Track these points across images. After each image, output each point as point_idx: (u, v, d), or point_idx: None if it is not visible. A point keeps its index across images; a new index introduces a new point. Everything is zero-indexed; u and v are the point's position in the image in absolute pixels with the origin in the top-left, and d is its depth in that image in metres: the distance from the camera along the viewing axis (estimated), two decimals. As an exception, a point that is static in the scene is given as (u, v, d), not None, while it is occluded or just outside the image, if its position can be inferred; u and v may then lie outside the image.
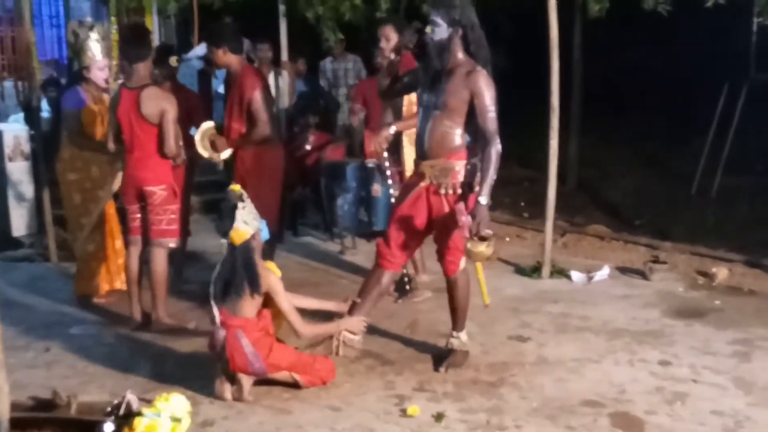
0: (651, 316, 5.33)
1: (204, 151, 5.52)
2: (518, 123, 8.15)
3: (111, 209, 5.74)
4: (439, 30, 4.20)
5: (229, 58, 5.43)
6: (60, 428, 2.60)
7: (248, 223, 4.09)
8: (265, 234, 4.24)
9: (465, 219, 4.09)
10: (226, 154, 5.58)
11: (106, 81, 5.61)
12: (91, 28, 5.55)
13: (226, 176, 5.94)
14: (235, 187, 4.21)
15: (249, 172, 5.46)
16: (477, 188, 4.18)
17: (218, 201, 6.23)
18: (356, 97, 6.38)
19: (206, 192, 7.61)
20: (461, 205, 4.15)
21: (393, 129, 5.12)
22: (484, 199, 4.10)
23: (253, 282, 4.05)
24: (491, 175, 4.11)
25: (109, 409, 3.49)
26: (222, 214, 4.21)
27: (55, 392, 3.79)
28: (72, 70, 6.98)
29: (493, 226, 4.25)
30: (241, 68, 5.48)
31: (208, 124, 5.56)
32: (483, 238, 4.11)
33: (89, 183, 5.58)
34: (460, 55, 4.25)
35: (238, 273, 4.05)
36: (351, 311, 4.49)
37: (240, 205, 4.07)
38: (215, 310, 4.11)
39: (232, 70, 5.56)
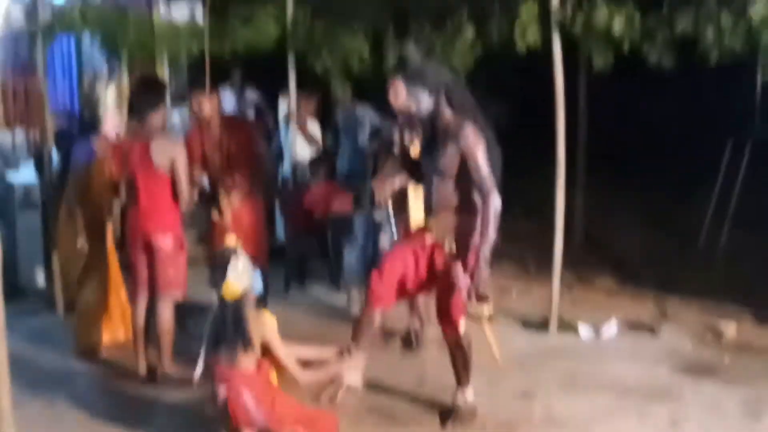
0: (660, 373, 5.28)
1: (227, 214, 5.72)
2: (524, 176, 8.18)
3: (113, 260, 5.75)
4: (423, 103, 4.26)
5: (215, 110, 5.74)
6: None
7: (240, 278, 4.08)
8: (258, 287, 4.24)
9: (464, 280, 4.08)
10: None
11: (117, 133, 5.68)
12: (107, 82, 5.67)
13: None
14: (230, 242, 4.21)
15: (246, 223, 5.60)
16: (472, 251, 4.16)
17: (210, 252, 6.28)
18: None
19: (205, 242, 7.59)
20: (459, 266, 4.13)
21: (398, 182, 5.15)
22: (483, 260, 4.08)
23: (244, 339, 4.01)
24: (490, 235, 4.09)
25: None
26: (214, 266, 4.21)
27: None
28: (83, 120, 7.06)
29: (498, 279, 4.25)
30: (231, 119, 5.75)
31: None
32: (482, 299, 4.09)
33: (74, 237, 5.64)
34: (448, 114, 4.28)
35: (228, 330, 4.03)
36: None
37: (233, 260, 4.07)
38: (210, 365, 4.08)
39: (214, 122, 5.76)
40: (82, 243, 5.37)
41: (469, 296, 4.08)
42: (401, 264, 4.39)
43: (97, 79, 6.84)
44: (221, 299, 4.09)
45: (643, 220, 9.12)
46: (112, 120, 5.70)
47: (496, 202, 4.10)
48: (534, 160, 7.20)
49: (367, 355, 4.46)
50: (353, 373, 4.41)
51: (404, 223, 5.58)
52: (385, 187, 5.15)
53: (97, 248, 5.68)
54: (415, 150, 4.61)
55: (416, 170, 4.71)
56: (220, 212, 5.70)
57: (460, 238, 4.24)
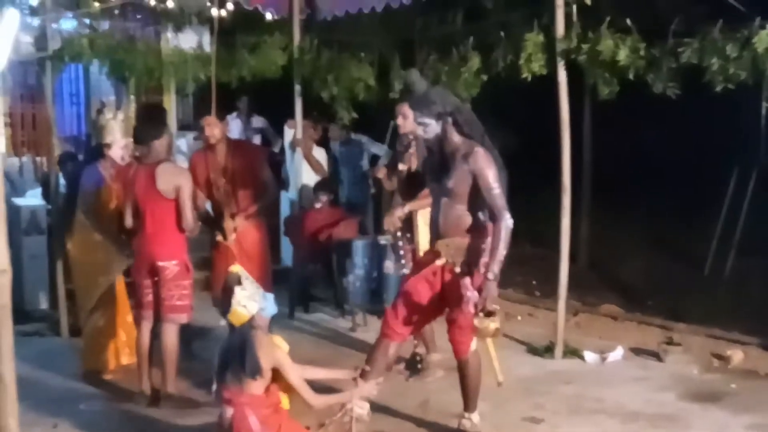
0: (666, 399, 5.25)
1: (230, 236, 5.78)
2: (530, 202, 8.19)
3: (120, 285, 5.76)
4: (430, 128, 4.29)
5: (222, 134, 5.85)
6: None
7: (246, 305, 4.06)
8: (271, 310, 4.22)
9: (471, 294, 4.09)
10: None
11: (123, 159, 5.73)
12: (116, 108, 5.74)
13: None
14: (234, 269, 4.21)
15: (251, 247, 5.63)
16: (482, 267, 4.18)
17: (211, 276, 6.29)
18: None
19: (208, 268, 7.61)
20: (467, 281, 4.15)
21: (407, 208, 5.17)
22: (492, 275, 4.10)
23: (251, 365, 3.99)
24: (501, 251, 4.11)
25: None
26: (223, 293, 4.21)
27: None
28: (90, 147, 7.09)
29: (504, 304, 4.25)
30: (237, 142, 5.83)
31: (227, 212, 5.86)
32: (490, 314, 4.09)
33: (91, 267, 5.66)
34: (457, 138, 4.30)
35: (234, 355, 4.02)
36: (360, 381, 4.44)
37: (237, 288, 4.06)
38: (220, 388, 4.07)
39: (220, 147, 5.83)
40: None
41: (476, 311, 4.09)
42: (415, 296, 4.41)
43: (105, 106, 6.88)
44: (230, 324, 4.09)
45: (649, 246, 9.13)
46: (120, 147, 5.75)
47: (508, 221, 4.14)
48: (539, 186, 7.22)
49: (381, 380, 4.45)
50: (362, 403, 4.39)
51: (413, 249, 5.60)
52: (394, 215, 5.18)
53: (95, 282, 5.72)
54: (402, 170, 4.62)
55: (412, 191, 4.74)
56: (224, 235, 5.73)
57: (469, 258, 4.26)
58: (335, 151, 8.78)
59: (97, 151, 5.92)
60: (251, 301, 4.07)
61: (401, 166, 4.49)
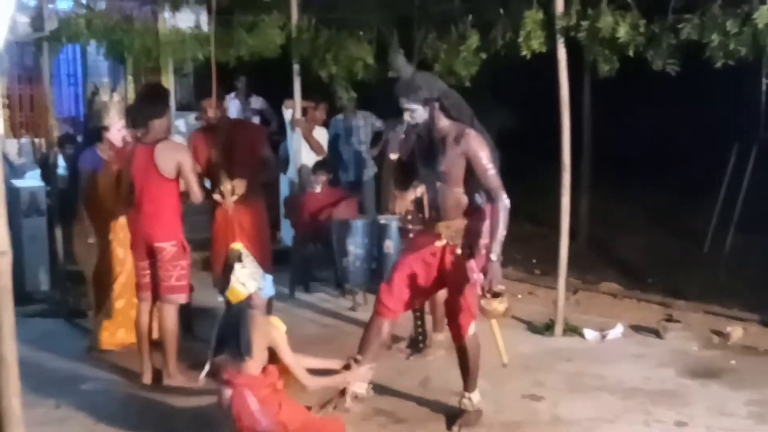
0: (666, 376, 5.26)
1: (228, 198, 5.66)
2: (530, 181, 8.18)
3: (129, 264, 5.77)
4: (417, 113, 4.25)
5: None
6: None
7: (245, 283, 4.06)
8: (269, 291, 4.23)
9: (477, 276, 4.08)
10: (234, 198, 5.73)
11: (122, 140, 5.71)
12: (112, 90, 5.71)
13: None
14: (236, 246, 4.20)
15: (250, 227, 5.62)
16: (482, 249, 4.17)
17: (211, 254, 6.28)
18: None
19: (208, 248, 7.61)
20: (472, 263, 4.14)
21: (419, 191, 5.14)
22: (495, 256, 4.09)
23: (243, 344, 3.99)
24: (501, 231, 4.10)
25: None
26: (222, 272, 4.21)
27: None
28: (88, 129, 7.04)
29: (504, 283, 4.23)
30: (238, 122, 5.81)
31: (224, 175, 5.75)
32: (496, 295, 4.09)
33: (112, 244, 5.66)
34: (445, 123, 4.27)
35: (230, 333, 4.03)
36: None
37: (237, 265, 4.06)
38: (216, 366, 4.08)
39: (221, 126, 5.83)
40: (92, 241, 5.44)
41: (482, 292, 4.08)
42: (410, 274, 4.39)
43: (99, 89, 6.83)
44: (227, 302, 4.09)
45: (648, 224, 9.13)
46: (117, 129, 5.72)
47: (505, 201, 4.12)
48: (539, 165, 7.21)
49: (374, 365, 4.46)
50: (360, 376, 4.40)
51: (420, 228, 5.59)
52: (406, 198, 5.15)
53: (109, 253, 5.74)
54: (393, 159, 4.58)
55: (405, 179, 4.72)
56: (222, 195, 5.65)
57: (469, 240, 4.25)
58: (338, 128, 8.73)
59: (94, 134, 5.90)
60: (251, 279, 4.07)
61: (393, 155, 4.45)
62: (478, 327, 4.43)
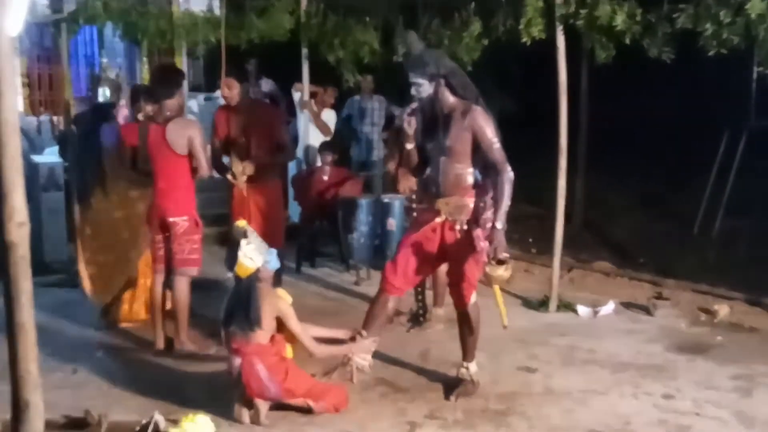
0: (655, 351, 5.27)
1: (240, 179, 5.66)
2: (527, 163, 8.14)
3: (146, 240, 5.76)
4: (423, 88, 4.23)
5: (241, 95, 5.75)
6: (90, 446, 2.59)
7: (253, 258, 4.07)
8: (274, 264, 4.23)
9: (483, 244, 4.09)
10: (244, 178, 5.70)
11: (125, 118, 5.71)
12: (117, 74, 5.69)
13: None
14: (240, 223, 4.20)
15: (265, 203, 5.60)
16: (487, 223, 4.17)
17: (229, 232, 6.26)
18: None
19: (220, 224, 7.62)
20: (479, 232, 4.14)
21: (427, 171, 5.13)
22: (500, 224, 4.10)
23: (252, 316, 4.01)
24: (506, 201, 4.12)
25: (137, 428, 3.47)
26: (229, 247, 4.22)
27: (87, 412, 3.78)
28: (98, 106, 6.91)
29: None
30: (256, 103, 5.72)
31: (236, 158, 5.73)
32: (501, 262, 4.11)
33: (136, 219, 5.58)
34: (451, 99, 4.26)
35: (240, 305, 4.04)
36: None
37: (244, 241, 4.07)
38: (226, 337, 4.10)
39: (240, 107, 5.75)
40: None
41: (488, 259, 4.10)
42: (413, 252, 4.40)
43: (108, 69, 6.77)
44: (236, 276, 4.11)
45: (641, 206, 9.12)
46: (124, 107, 5.70)
47: (510, 173, 4.13)
48: (537, 148, 7.18)
49: (377, 338, 4.47)
50: (364, 355, 4.42)
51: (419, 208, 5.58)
52: (411, 179, 5.16)
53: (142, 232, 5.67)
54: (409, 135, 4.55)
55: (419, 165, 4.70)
56: (234, 176, 5.65)
57: (475, 214, 4.25)
58: (353, 108, 8.67)
59: (106, 110, 5.82)
60: (257, 253, 4.09)
61: (408, 146, 4.44)
62: (479, 299, 4.44)
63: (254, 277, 4.08)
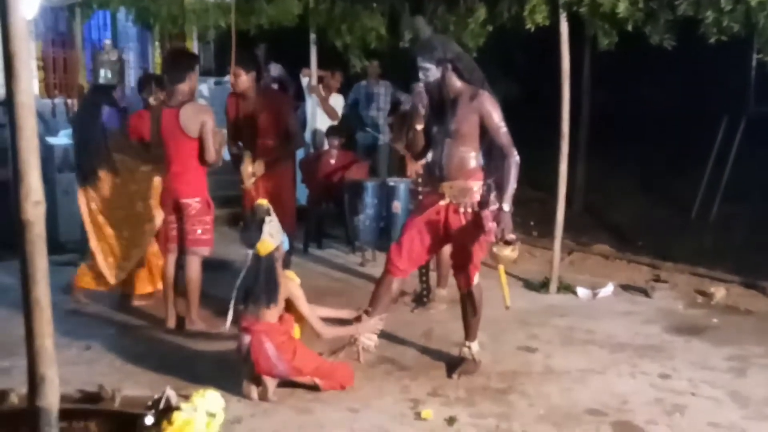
0: (652, 332, 5.27)
1: (248, 181, 5.64)
2: (530, 148, 8.11)
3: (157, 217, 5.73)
4: (430, 72, 4.22)
5: (252, 84, 5.69)
6: (104, 419, 2.60)
7: (273, 236, 4.08)
8: (286, 245, 4.25)
9: (491, 225, 4.10)
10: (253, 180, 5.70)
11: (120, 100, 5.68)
12: (119, 56, 5.63)
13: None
14: (263, 202, 4.21)
15: (277, 189, 5.59)
16: (491, 205, 4.17)
17: (241, 214, 6.25)
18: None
19: (231, 205, 7.61)
20: (487, 213, 4.14)
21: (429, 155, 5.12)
22: (507, 206, 4.11)
23: (271, 294, 4.03)
24: (512, 184, 4.12)
25: (149, 403, 3.47)
26: (247, 226, 4.20)
27: (100, 386, 3.78)
28: (98, 87, 6.74)
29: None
30: (266, 92, 5.71)
31: (248, 157, 5.68)
32: (508, 243, 4.11)
33: (150, 192, 5.51)
34: (459, 84, 4.25)
35: (259, 283, 4.04)
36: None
37: (267, 219, 4.07)
38: (233, 316, 4.10)
39: (250, 95, 5.71)
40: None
41: (496, 239, 4.10)
42: (418, 235, 4.39)
43: (109, 50, 6.65)
44: (255, 255, 4.08)
45: (640, 192, 9.10)
46: (120, 89, 5.64)
47: (516, 156, 4.13)
48: (539, 133, 7.15)
49: (383, 318, 4.48)
50: (369, 335, 4.43)
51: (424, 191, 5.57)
52: (417, 163, 5.15)
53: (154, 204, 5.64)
54: (418, 130, 4.55)
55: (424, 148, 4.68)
56: (241, 181, 5.67)
57: (482, 196, 4.25)
58: (360, 93, 8.64)
59: (106, 92, 5.70)
60: (277, 232, 4.10)
61: (418, 126, 4.43)
62: (481, 281, 4.45)
63: (273, 255, 4.09)
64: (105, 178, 5.51)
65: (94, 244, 5.54)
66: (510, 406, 4.05)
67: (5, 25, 1.70)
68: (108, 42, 6.10)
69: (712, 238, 7.55)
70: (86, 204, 5.51)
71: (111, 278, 5.50)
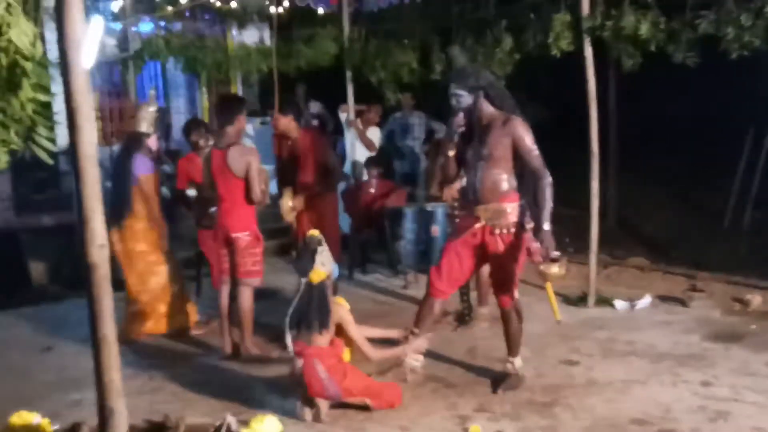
0: (691, 341, 5.16)
1: (287, 215, 5.80)
2: (561, 168, 8.05)
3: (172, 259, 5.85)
4: (463, 99, 4.26)
5: (292, 125, 5.91)
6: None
7: (325, 264, 4.13)
8: (336, 272, 4.29)
9: (535, 246, 4.08)
10: (293, 214, 5.86)
11: (159, 149, 5.82)
12: (158, 107, 5.76)
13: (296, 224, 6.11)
14: (315, 233, 4.26)
15: (320, 218, 5.68)
16: (529, 226, 4.16)
17: (289, 244, 6.31)
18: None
19: (279, 237, 7.67)
20: (530, 235, 4.14)
21: (465, 180, 5.13)
22: (547, 225, 4.10)
23: (323, 319, 4.06)
24: (549, 203, 4.11)
25: (212, 430, 3.51)
26: (300, 256, 4.25)
27: (165, 416, 3.84)
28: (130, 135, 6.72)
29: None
30: (304, 132, 5.99)
31: (288, 192, 5.86)
32: (554, 260, 4.09)
33: (154, 255, 5.70)
34: (491, 110, 4.27)
35: (312, 309, 4.08)
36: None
37: (319, 249, 4.12)
38: (291, 341, 4.13)
39: (292, 135, 5.93)
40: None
41: (543, 258, 4.08)
42: (456, 257, 4.39)
43: (152, 101, 6.73)
44: (307, 283, 4.13)
45: (672, 204, 8.95)
46: (155, 137, 5.77)
47: (548, 178, 4.13)
48: (571, 153, 7.11)
49: (429, 337, 4.47)
50: (416, 356, 4.42)
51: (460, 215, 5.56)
52: (453, 187, 5.18)
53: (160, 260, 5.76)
54: (450, 156, 4.56)
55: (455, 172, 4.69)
56: (282, 214, 5.80)
57: (518, 218, 4.25)
58: (395, 124, 8.70)
59: (136, 140, 5.70)
60: (329, 261, 4.14)
61: (450, 152, 4.46)
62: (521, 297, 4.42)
63: (325, 282, 4.13)
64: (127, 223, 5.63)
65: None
66: (555, 418, 3.99)
67: (68, 82, 1.76)
68: (152, 93, 6.22)
69: (745, 246, 7.39)
70: (116, 244, 5.61)
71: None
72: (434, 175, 6.45)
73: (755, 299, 5.85)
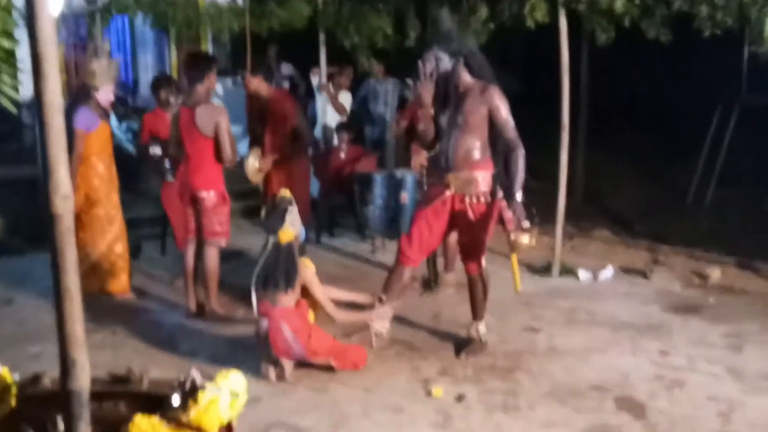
0: (651, 312, 5.27)
1: (253, 176, 5.74)
2: (531, 139, 8.09)
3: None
4: (443, 63, 4.25)
5: (262, 85, 5.79)
6: (133, 401, 2.62)
7: (293, 225, 4.12)
8: (303, 235, 4.28)
9: (508, 215, 4.11)
10: (259, 176, 5.81)
11: (111, 103, 5.63)
12: (109, 54, 5.53)
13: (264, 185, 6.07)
14: (286, 192, 4.24)
15: (290, 181, 5.64)
16: (500, 195, 4.19)
17: (256, 207, 6.24)
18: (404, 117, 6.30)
19: (247, 198, 7.61)
20: (504, 204, 4.16)
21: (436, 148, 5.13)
22: (519, 196, 4.12)
23: (290, 279, 4.06)
24: (521, 175, 4.15)
25: (176, 384, 3.49)
26: (269, 215, 4.23)
27: (128, 369, 3.81)
28: (77, 87, 6.32)
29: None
30: (275, 93, 5.88)
31: (255, 152, 5.76)
32: (525, 230, 4.11)
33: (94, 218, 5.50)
34: (469, 78, 4.26)
35: (279, 268, 4.07)
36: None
37: (289, 208, 4.11)
38: (256, 301, 4.13)
39: (263, 95, 5.82)
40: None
41: (514, 227, 4.11)
42: (426, 225, 4.40)
43: (100, 50, 6.40)
44: (275, 242, 4.12)
45: (638, 179, 9.06)
46: (106, 90, 5.50)
47: (522, 149, 4.16)
48: (539, 126, 7.14)
49: (396, 305, 4.49)
50: (382, 321, 4.44)
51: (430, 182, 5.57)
52: (422, 155, 5.17)
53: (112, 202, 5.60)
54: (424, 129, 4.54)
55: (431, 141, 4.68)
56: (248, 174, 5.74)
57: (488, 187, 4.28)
58: (369, 90, 8.63)
59: (84, 93, 5.48)
60: (297, 222, 4.13)
61: (421, 126, 4.45)
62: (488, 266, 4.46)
63: (293, 243, 4.12)
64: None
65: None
66: (516, 383, 4.06)
67: (33, 27, 1.71)
68: (95, 44, 5.92)
69: (707, 222, 7.51)
70: None
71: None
72: (401, 141, 6.42)
73: (714, 273, 5.97)
